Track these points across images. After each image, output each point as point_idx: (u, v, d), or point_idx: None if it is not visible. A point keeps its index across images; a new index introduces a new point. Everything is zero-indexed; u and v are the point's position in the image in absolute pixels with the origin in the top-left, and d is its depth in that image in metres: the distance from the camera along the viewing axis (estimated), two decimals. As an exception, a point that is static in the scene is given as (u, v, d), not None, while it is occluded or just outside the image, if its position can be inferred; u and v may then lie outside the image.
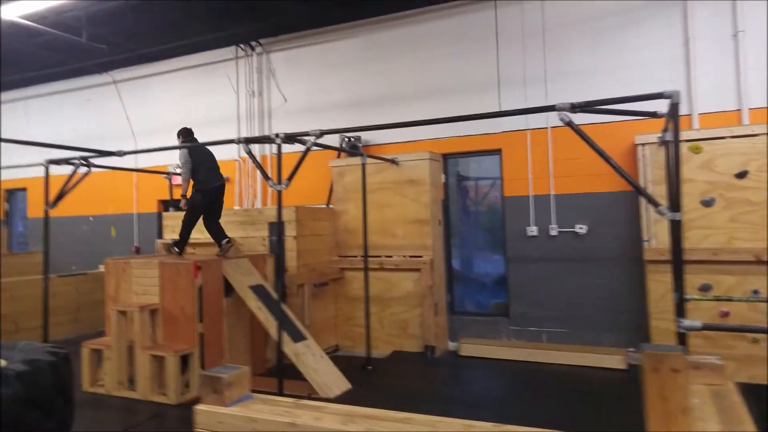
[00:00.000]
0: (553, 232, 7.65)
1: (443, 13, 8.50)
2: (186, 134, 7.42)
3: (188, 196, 7.16)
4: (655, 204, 4.46)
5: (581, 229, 7.49)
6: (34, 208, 12.50)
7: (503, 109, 7.74)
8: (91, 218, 11.56)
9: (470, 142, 8.25)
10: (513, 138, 7.96)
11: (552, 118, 7.38)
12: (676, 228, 4.38)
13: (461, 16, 8.38)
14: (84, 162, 7.11)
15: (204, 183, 7.02)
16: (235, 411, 2.99)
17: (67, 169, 7.43)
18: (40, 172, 10.11)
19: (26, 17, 8.40)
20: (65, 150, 7.56)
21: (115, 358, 6.21)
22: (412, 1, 8.45)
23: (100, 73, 11.45)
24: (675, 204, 4.38)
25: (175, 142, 7.42)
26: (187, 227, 7.10)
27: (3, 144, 11.81)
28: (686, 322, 4.15)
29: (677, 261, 4.34)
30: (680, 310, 4.22)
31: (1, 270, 9.57)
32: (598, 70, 7.49)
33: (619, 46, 7.40)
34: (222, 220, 7.89)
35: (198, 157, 7.04)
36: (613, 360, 6.84)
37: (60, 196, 7.07)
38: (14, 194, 13.24)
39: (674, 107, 4.38)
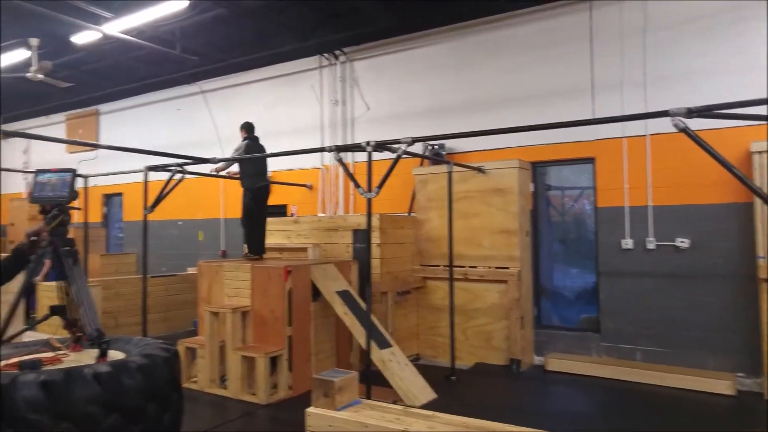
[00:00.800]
0: (651, 246, 7.25)
1: (530, 17, 8.29)
2: (249, 129, 7.80)
3: (219, 171, 7.83)
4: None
5: (683, 242, 7.05)
6: (130, 212, 13.16)
7: (597, 116, 7.47)
8: (180, 222, 12.03)
9: (560, 150, 7.98)
10: (608, 146, 7.62)
11: (651, 125, 7.03)
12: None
13: (550, 19, 8.15)
14: (179, 168, 7.38)
15: (250, 182, 7.43)
16: (347, 415, 2.94)
17: (160, 175, 7.73)
18: (134, 178, 10.66)
19: (126, 32, 8.87)
20: (160, 157, 7.86)
21: (208, 357, 6.37)
22: (498, 5, 8.30)
23: (189, 84, 11.95)
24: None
25: (260, 151, 7.64)
26: (250, 232, 7.52)
27: (101, 150, 12.56)
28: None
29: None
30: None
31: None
32: (707, 72, 6.99)
33: (732, 47, 6.88)
34: (306, 227, 8.01)
35: (251, 154, 7.38)
36: (720, 385, 6.35)
37: (157, 201, 7.36)
38: (111, 199, 14.00)
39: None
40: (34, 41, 8.99)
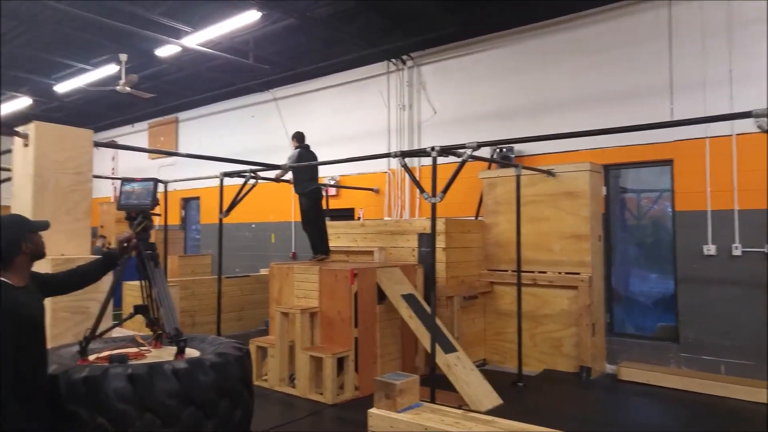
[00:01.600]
0: (737, 252, 6.86)
1: (600, 17, 8.08)
2: (299, 138, 8.07)
3: (278, 177, 8.19)
4: None
5: (773, 249, 6.63)
6: (206, 215, 13.76)
7: (675, 116, 7.19)
8: (253, 225, 12.47)
9: (635, 152, 7.71)
10: (687, 147, 7.29)
11: (738, 124, 6.67)
12: None
13: (621, 18, 7.91)
14: (253, 174, 7.67)
15: (302, 187, 7.70)
16: (407, 417, 2.99)
17: (234, 180, 8.04)
18: (211, 182, 11.14)
19: (203, 44, 9.32)
20: (235, 163, 8.21)
21: (278, 356, 6.58)
22: (566, 6, 8.14)
23: (262, 91, 12.38)
24: None
25: (329, 155, 7.96)
26: (312, 234, 7.77)
27: (178, 157, 13.18)
28: None
29: None
30: None
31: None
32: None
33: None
34: (372, 230, 8.13)
35: (303, 162, 7.65)
36: (811, 400, 5.92)
37: (232, 205, 7.68)
38: (189, 202, 14.70)
39: None
40: (123, 56, 9.63)
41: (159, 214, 4.61)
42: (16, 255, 2.71)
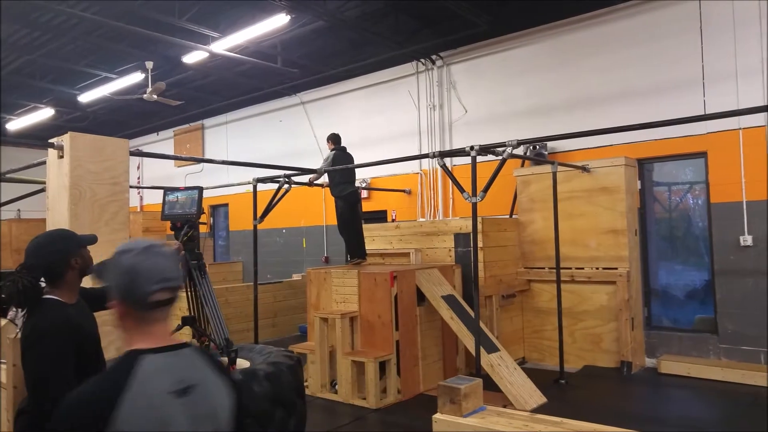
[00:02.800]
0: (776, 242, 6.74)
1: (631, 11, 7.98)
2: (335, 140, 8.02)
3: (311, 181, 8.15)
4: None
5: (814, 239, 6.50)
6: (235, 222, 13.81)
7: (708, 109, 7.09)
8: (283, 230, 12.50)
9: (669, 145, 7.60)
10: (721, 139, 7.17)
11: (774, 114, 6.54)
12: None
13: (654, 11, 7.79)
14: (287, 180, 7.69)
15: (338, 190, 7.64)
16: (473, 422, 2.96)
17: (264, 186, 8.04)
18: (239, 189, 11.20)
19: (230, 49, 9.33)
20: (266, 169, 8.21)
21: (319, 362, 6.58)
22: (597, 1, 8.04)
23: (290, 95, 12.39)
24: None
25: (358, 157, 7.97)
26: (348, 238, 7.79)
27: (205, 164, 13.25)
28: None
29: None
30: None
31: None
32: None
33: None
34: (408, 232, 8.09)
35: (338, 164, 7.59)
36: None
37: (266, 211, 7.70)
38: (217, 209, 14.77)
39: None
40: (149, 64, 9.69)
41: (205, 223, 4.63)
42: (66, 271, 2.62)
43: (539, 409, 5.78)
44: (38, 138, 12.63)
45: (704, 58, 7.36)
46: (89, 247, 2.77)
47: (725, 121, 6.98)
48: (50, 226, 4.69)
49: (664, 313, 8.08)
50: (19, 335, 2.45)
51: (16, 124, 13.98)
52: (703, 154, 7.42)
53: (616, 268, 7.37)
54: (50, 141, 4.80)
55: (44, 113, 13.16)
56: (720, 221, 7.22)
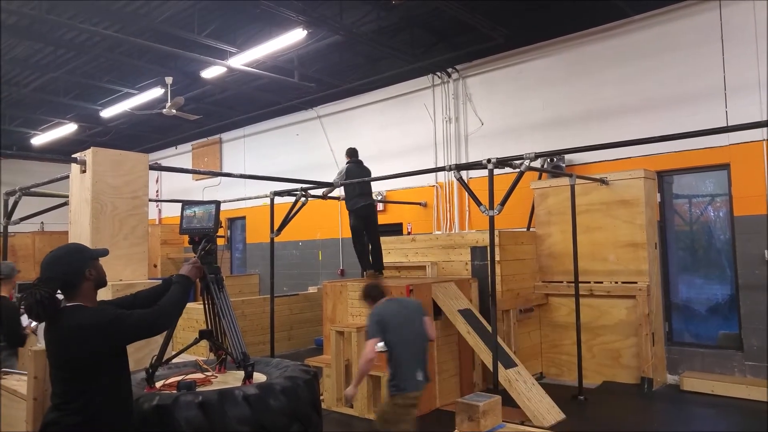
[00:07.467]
0: (802, 257, 6.60)
1: (649, 22, 7.93)
2: (351, 154, 8.05)
3: (325, 194, 8.23)
4: None
5: (841, 253, 6.35)
6: (252, 235, 13.88)
7: (730, 120, 7.00)
8: (299, 243, 12.52)
9: (689, 157, 7.50)
10: (745, 150, 7.07)
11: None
12: None
13: (672, 22, 7.75)
14: (304, 193, 7.71)
15: (352, 203, 7.59)
16: (490, 441, 2.92)
17: (280, 199, 8.07)
18: (256, 202, 11.26)
19: (248, 64, 9.43)
20: (284, 182, 8.26)
21: (334, 375, 6.55)
22: (613, 12, 7.99)
23: (306, 109, 12.48)
24: None
25: (375, 170, 7.97)
26: (359, 251, 7.71)
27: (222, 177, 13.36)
28: None
29: None
30: None
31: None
32: None
33: None
34: (423, 245, 8.05)
35: (352, 177, 7.59)
36: None
37: (284, 223, 7.73)
38: (234, 222, 14.87)
39: None
40: (169, 79, 9.84)
41: (222, 236, 4.64)
42: (81, 282, 2.75)
43: (557, 426, 5.70)
44: (62, 152, 12.86)
45: (725, 68, 7.27)
46: (101, 260, 2.90)
47: (748, 132, 6.87)
48: (72, 239, 4.76)
49: (685, 329, 7.92)
50: (42, 346, 2.56)
51: (40, 139, 14.24)
52: (725, 166, 7.31)
53: (635, 282, 7.26)
54: (73, 156, 4.89)
55: (68, 128, 13.41)
56: (744, 234, 7.10)
